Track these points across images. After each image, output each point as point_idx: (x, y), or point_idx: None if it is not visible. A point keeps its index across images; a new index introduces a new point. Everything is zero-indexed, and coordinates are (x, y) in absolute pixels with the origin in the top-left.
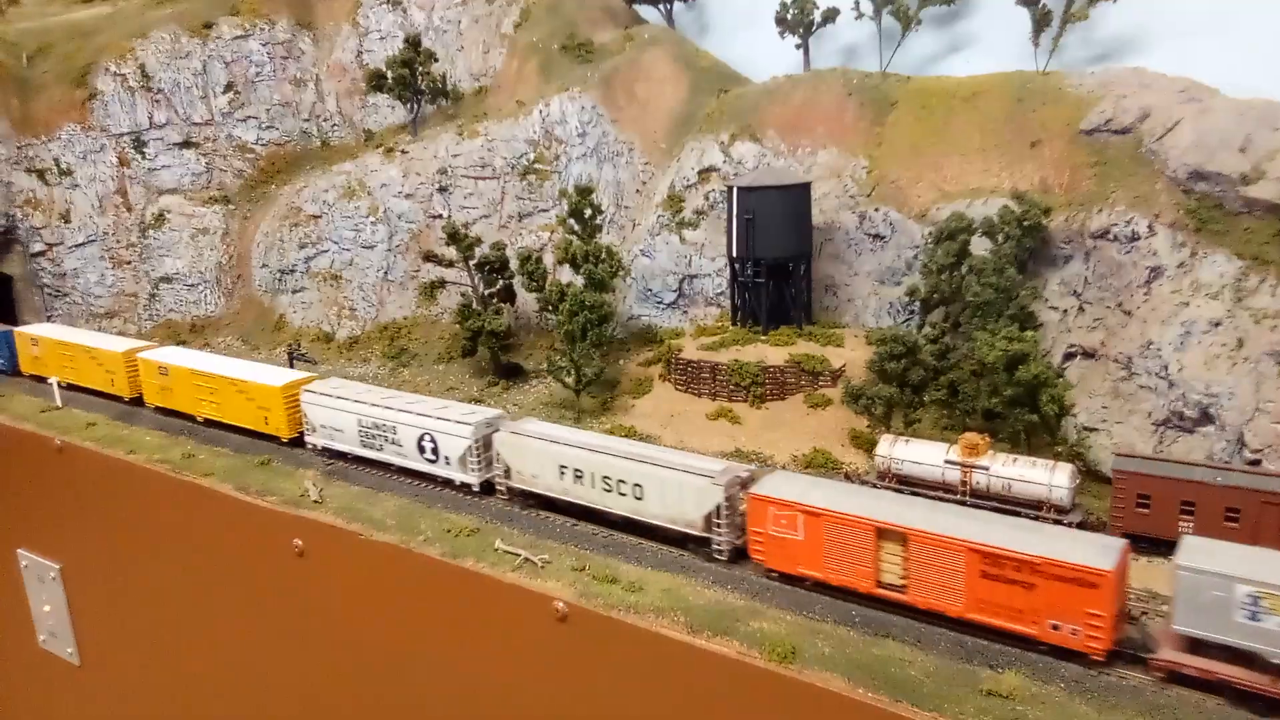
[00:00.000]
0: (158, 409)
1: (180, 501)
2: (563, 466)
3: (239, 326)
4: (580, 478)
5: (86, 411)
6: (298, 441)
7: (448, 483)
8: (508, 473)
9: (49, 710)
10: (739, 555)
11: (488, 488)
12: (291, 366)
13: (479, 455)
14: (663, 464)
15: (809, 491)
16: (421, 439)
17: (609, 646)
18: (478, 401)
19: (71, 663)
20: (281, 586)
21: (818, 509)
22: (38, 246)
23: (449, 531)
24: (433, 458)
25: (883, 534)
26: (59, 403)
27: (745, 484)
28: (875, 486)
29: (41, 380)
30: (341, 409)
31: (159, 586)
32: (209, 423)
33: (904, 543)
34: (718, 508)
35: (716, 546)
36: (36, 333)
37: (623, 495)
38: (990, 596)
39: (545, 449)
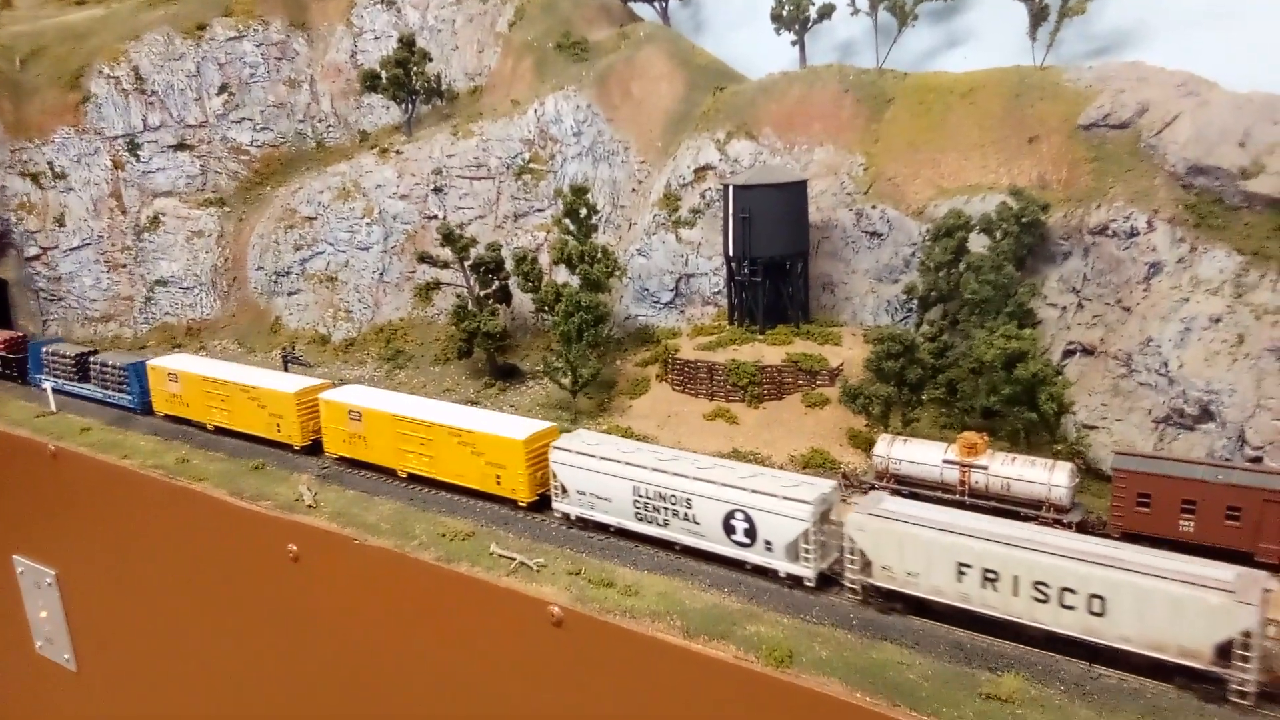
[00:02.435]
0: (340, 459)
1: (175, 506)
2: (964, 565)
3: (235, 329)
4: (994, 581)
5: (81, 417)
6: (538, 505)
7: (760, 571)
8: (865, 566)
9: (46, 717)
10: (1267, 698)
11: (824, 580)
12: (286, 369)
13: (816, 540)
14: (1142, 569)
15: None
16: (730, 517)
17: (605, 651)
18: (473, 403)
19: (68, 669)
20: (276, 591)
21: None
22: (32, 250)
23: (444, 535)
24: (745, 540)
25: None
26: (53, 408)
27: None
28: (874, 487)
29: (178, 422)
30: (609, 472)
31: (155, 592)
32: (413, 478)
33: None
34: (1246, 636)
35: (1238, 686)
36: (176, 366)
37: (1068, 608)
38: None
39: (935, 540)
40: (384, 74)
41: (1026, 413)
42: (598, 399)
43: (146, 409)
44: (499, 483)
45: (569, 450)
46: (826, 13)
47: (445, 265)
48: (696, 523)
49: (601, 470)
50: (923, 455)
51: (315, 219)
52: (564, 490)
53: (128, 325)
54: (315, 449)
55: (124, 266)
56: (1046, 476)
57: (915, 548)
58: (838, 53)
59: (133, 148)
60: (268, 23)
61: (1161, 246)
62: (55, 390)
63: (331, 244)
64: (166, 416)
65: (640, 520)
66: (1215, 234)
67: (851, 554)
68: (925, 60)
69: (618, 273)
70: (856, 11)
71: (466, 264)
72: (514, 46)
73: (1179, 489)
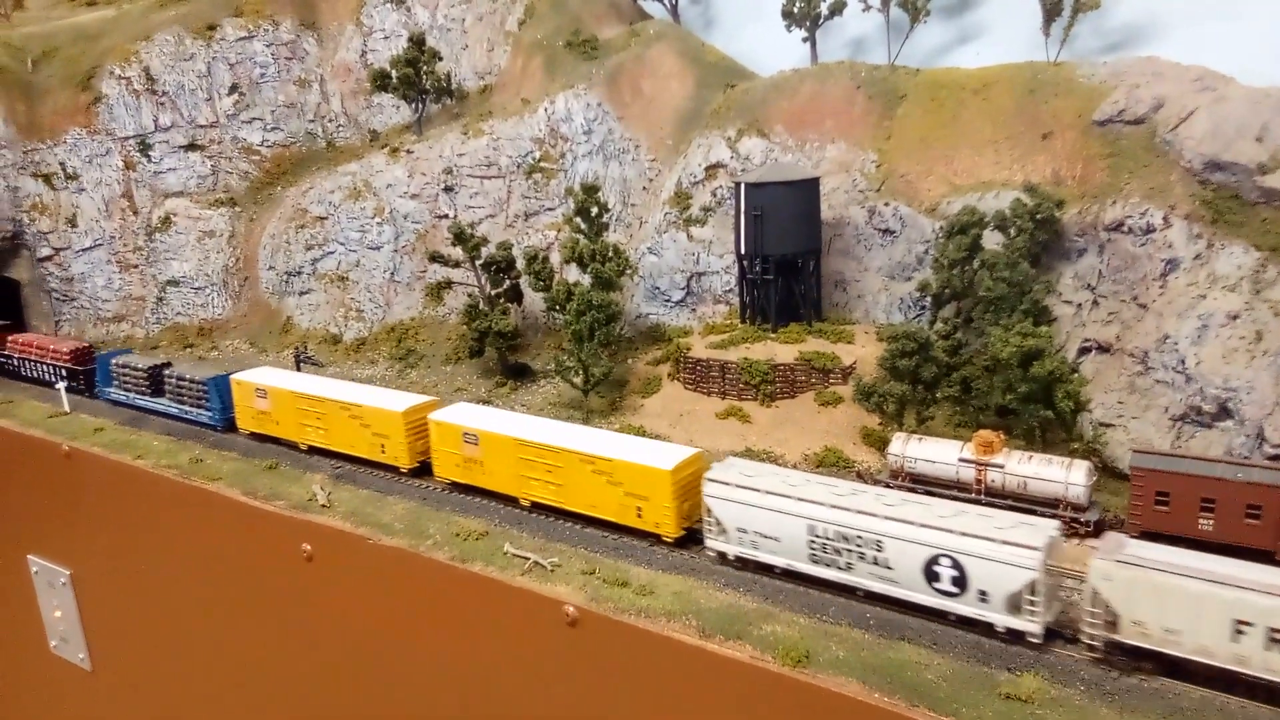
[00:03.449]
0: (454, 485)
1: (188, 506)
2: (1243, 623)
3: (246, 329)
4: None
5: (94, 417)
6: (684, 541)
7: (966, 622)
8: (1110, 621)
9: (61, 716)
10: None
11: (1049, 633)
12: (298, 369)
13: (1045, 590)
14: None
15: None
16: (934, 562)
17: (620, 651)
18: (485, 403)
19: (83, 668)
20: (290, 591)
21: None
22: (45, 251)
23: (457, 535)
24: (953, 590)
25: None
26: (67, 408)
27: None
28: (888, 486)
29: (266, 440)
30: (779, 509)
31: (168, 591)
32: (537, 507)
33: None
34: None
35: None
36: (264, 381)
37: None
38: None
39: (1208, 593)
40: (394, 73)
41: (1043, 411)
42: (609, 398)
43: (229, 426)
44: (640, 515)
45: (727, 483)
46: (838, 9)
47: (456, 264)
48: (889, 568)
49: (769, 506)
50: (938, 454)
51: (326, 219)
52: (720, 526)
53: (139, 325)
54: (423, 471)
55: (136, 267)
56: (1064, 475)
57: (1180, 601)
58: (849, 49)
59: (144, 148)
60: (278, 23)
61: (1178, 243)
62: (125, 405)
63: (342, 244)
64: (252, 435)
65: (816, 563)
66: (1232, 230)
67: (1094, 606)
68: (938, 56)
69: (629, 271)
70: (868, 8)
71: (477, 263)
72: (524, 45)
73: (1198, 487)
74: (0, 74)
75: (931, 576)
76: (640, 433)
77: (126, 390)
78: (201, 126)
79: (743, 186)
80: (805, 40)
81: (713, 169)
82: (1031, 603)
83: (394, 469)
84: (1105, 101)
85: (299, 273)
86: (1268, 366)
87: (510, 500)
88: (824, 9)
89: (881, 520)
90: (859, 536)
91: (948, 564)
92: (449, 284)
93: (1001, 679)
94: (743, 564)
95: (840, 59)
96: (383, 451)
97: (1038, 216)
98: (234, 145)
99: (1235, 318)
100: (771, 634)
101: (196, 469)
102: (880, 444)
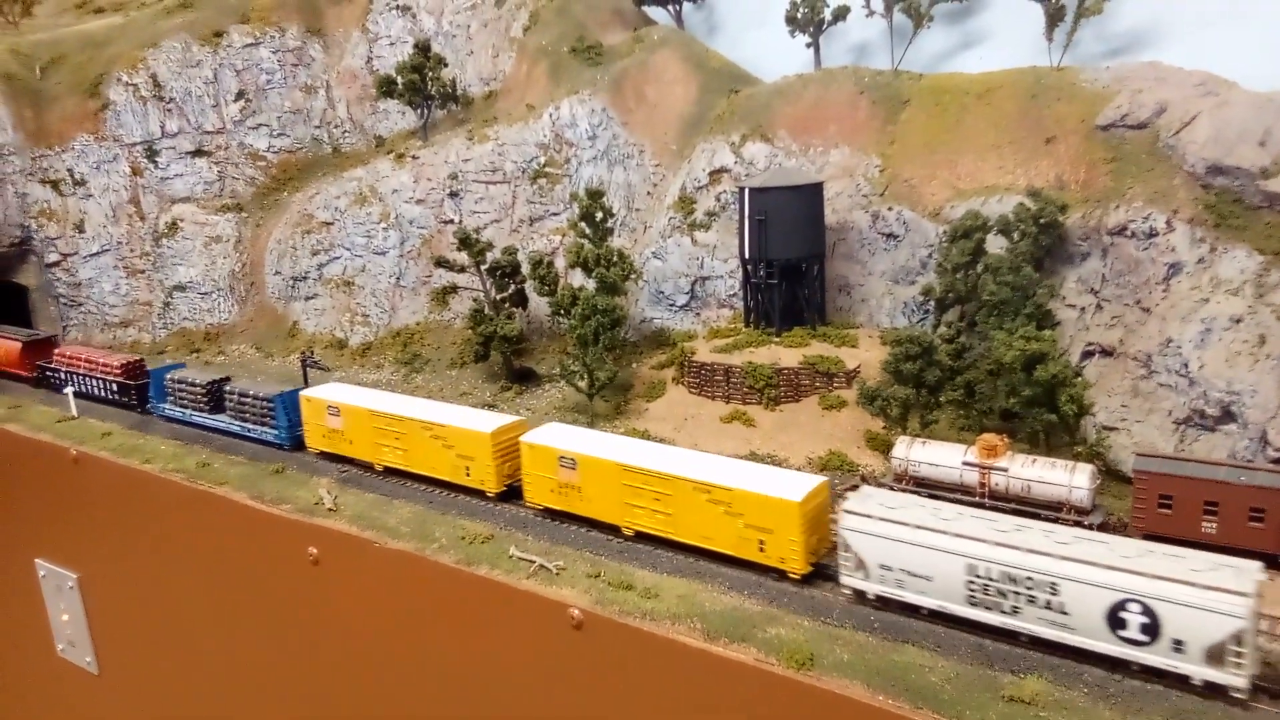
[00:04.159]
0: (546, 511)
1: (195, 510)
2: None
3: (253, 334)
4: None
5: (101, 421)
6: (811, 577)
7: (1153, 672)
8: None
9: (68, 719)
10: None
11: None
12: (304, 374)
13: (1251, 641)
14: None
15: None
16: (1120, 608)
17: (625, 654)
18: (490, 407)
19: (90, 671)
20: (297, 594)
21: None
22: (52, 257)
23: (463, 538)
24: (1141, 638)
25: None
26: (74, 412)
27: None
28: (892, 489)
29: (338, 460)
30: (931, 545)
31: (175, 595)
32: (641, 536)
33: None
34: None
35: None
36: (337, 398)
37: None
38: None
39: None
40: (400, 79)
41: (1046, 414)
42: (614, 402)
43: (297, 445)
44: (762, 549)
45: (868, 515)
46: (841, 15)
47: (462, 269)
48: (1064, 612)
49: (920, 541)
50: (942, 457)
51: (332, 224)
52: (858, 562)
53: (146, 330)
54: (511, 496)
55: (142, 272)
56: (1067, 478)
57: None
58: (853, 54)
59: (151, 154)
60: (284, 29)
61: (1181, 247)
62: (180, 422)
63: (348, 249)
64: (322, 454)
65: (974, 605)
66: (1235, 234)
67: None
68: (941, 61)
69: (633, 276)
70: (871, 13)
71: (483, 268)
72: (528, 51)
73: (1201, 490)
74: (9, 81)
75: (1116, 624)
76: (645, 436)
77: (183, 407)
78: (208, 133)
79: (747, 191)
80: (809, 46)
81: (717, 174)
82: (1237, 654)
83: (480, 493)
84: (1108, 106)
85: (305, 278)
86: (1271, 370)
87: (611, 529)
88: (827, 15)
89: (1057, 560)
90: (1029, 578)
91: (1137, 610)
92: (454, 289)
93: (1005, 681)
94: (884, 603)
95: (844, 64)
96: (467, 475)
97: (1041, 221)
98: (240, 151)
99: (1238, 321)
100: (776, 637)
101: (203, 473)
102: (884, 448)
